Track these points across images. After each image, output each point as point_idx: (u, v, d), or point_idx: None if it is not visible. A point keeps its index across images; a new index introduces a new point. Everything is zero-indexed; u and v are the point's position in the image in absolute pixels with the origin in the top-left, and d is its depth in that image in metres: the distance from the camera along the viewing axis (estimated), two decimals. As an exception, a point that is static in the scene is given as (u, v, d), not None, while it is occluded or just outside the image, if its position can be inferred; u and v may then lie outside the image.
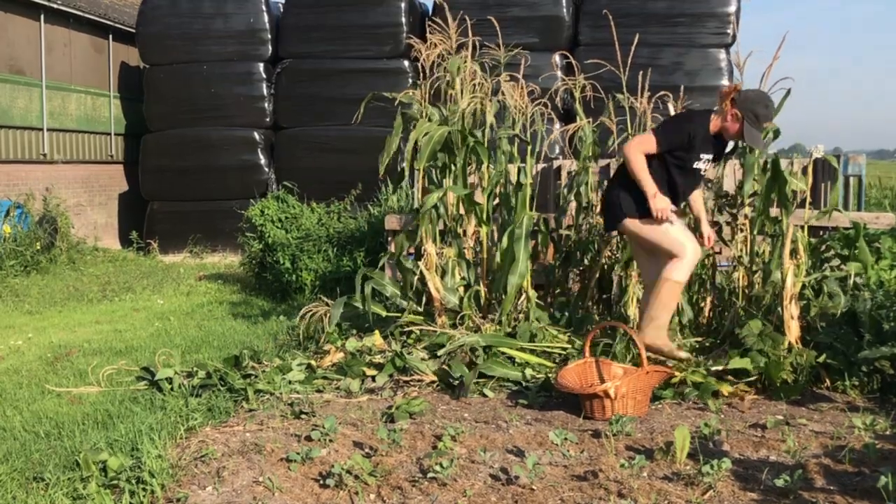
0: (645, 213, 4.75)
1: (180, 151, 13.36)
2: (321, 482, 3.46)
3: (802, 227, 5.41)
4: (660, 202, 4.69)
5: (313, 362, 5.27)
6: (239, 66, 13.35)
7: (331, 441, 3.86)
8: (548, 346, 5.32)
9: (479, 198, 6.01)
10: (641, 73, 6.06)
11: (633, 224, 4.83)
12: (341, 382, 4.95)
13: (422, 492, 3.36)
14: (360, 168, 11.53)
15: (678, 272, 4.72)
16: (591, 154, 6.26)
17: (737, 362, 4.68)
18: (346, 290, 7.31)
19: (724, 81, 12.15)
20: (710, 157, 4.89)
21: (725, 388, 4.62)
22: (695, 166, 4.82)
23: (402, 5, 12.85)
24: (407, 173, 6.16)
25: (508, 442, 3.92)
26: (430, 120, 5.88)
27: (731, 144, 5.26)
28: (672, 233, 4.74)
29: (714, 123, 4.78)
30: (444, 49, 6.10)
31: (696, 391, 4.60)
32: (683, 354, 4.82)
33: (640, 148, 4.73)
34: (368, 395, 4.81)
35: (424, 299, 5.93)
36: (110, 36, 14.69)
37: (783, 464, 3.56)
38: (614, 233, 5.98)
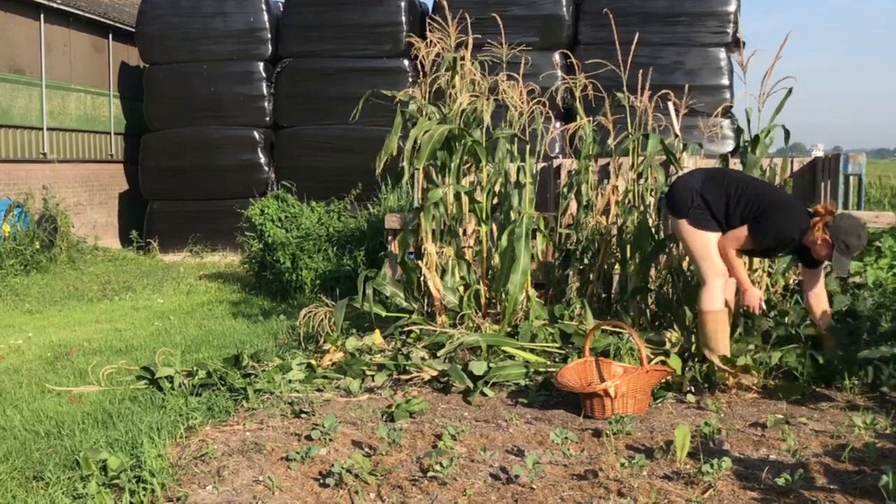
0: (702, 226, 4.78)
1: (180, 151, 13.35)
2: (321, 481, 3.46)
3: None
4: (753, 294, 4.81)
5: (313, 361, 5.27)
6: (239, 66, 13.34)
7: (331, 440, 3.86)
8: (548, 346, 5.32)
9: (479, 197, 6.01)
10: (641, 71, 6.06)
11: (685, 228, 4.85)
12: (341, 382, 4.95)
13: (422, 491, 3.36)
14: (360, 167, 11.51)
15: (709, 302, 4.80)
16: (591, 153, 6.26)
17: (743, 360, 4.70)
18: (346, 290, 7.32)
19: (724, 81, 12.14)
20: (784, 254, 4.95)
21: (724, 390, 4.62)
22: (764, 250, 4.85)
23: (402, 4, 12.84)
24: (407, 172, 6.14)
25: (508, 441, 3.92)
26: (429, 119, 5.88)
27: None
28: (710, 256, 4.79)
29: (806, 239, 4.68)
30: (443, 47, 6.10)
31: (696, 390, 4.60)
32: (746, 381, 4.75)
33: (734, 242, 4.74)
34: (368, 394, 4.81)
35: (425, 299, 5.93)
36: (110, 35, 14.68)
37: (783, 463, 3.56)
38: (613, 232, 5.99)
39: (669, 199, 4.97)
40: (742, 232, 4.71)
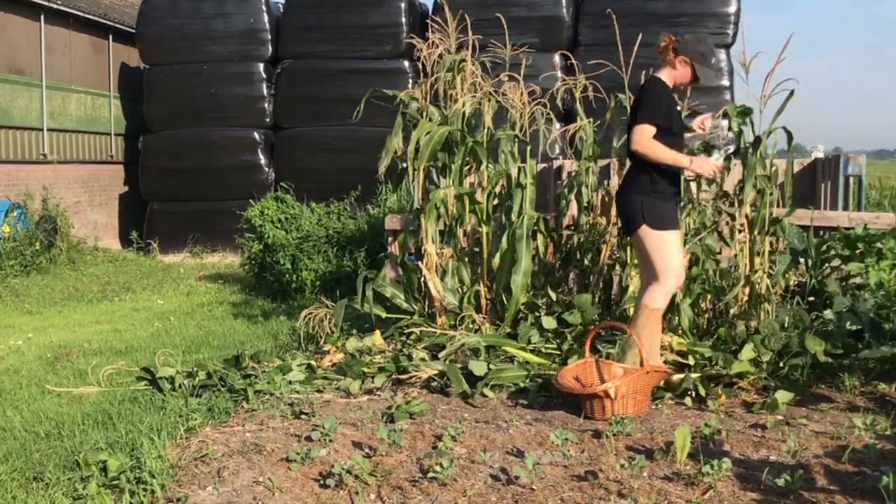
0: (656, 224, 4.62)
1: (180, 151, 13.36)
2: (321, 482, 3.46)
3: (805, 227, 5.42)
4: (700, 163, 4.73)
5: (313, 362, 5.27)
6: (239, 67, 13.35)
7: (331, 441, 3.86)
8: (548, 347, 5.32)
9: (479, 197, 6.01)
10: (644, 73, 6.05)
11: (643, 231, 4.65)
12: (341, 382, 4.95)
13: (422, 492, 3.36)
14: (360, 168, 11.51)
15: (655, 300, 4.61)
16: (592, 154, 6.26)
17: (738, 366, 4.68)
18: (346, 291, 7.31)
19: (725, 81, 12.14)
20: (679, 111, 4.87)
21: (723, 393, 4.62)
22: (677, 127, 4.79)
23: (402, 5, 12.85)
24: (410, 173, 6.15)
25: (508, 442, 3.92)
26: (430, 120, 5.89)
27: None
28: (669, 253, 4.61)
29: (669, 79, 4.78)
30: (445, 49, 6.10)
31: (696, 391, 4.59)
32: (676, 377, 4.75)
33: (647, 140, 4.61)
34: (368, 395, 4.80)
35: (425, 300, 5.93)
36: (110, 36, 14.69)
37: (784, 464, 3.56)
38: (614, 233, 5.99)
39: None
40: (639, 127, 4.57)
